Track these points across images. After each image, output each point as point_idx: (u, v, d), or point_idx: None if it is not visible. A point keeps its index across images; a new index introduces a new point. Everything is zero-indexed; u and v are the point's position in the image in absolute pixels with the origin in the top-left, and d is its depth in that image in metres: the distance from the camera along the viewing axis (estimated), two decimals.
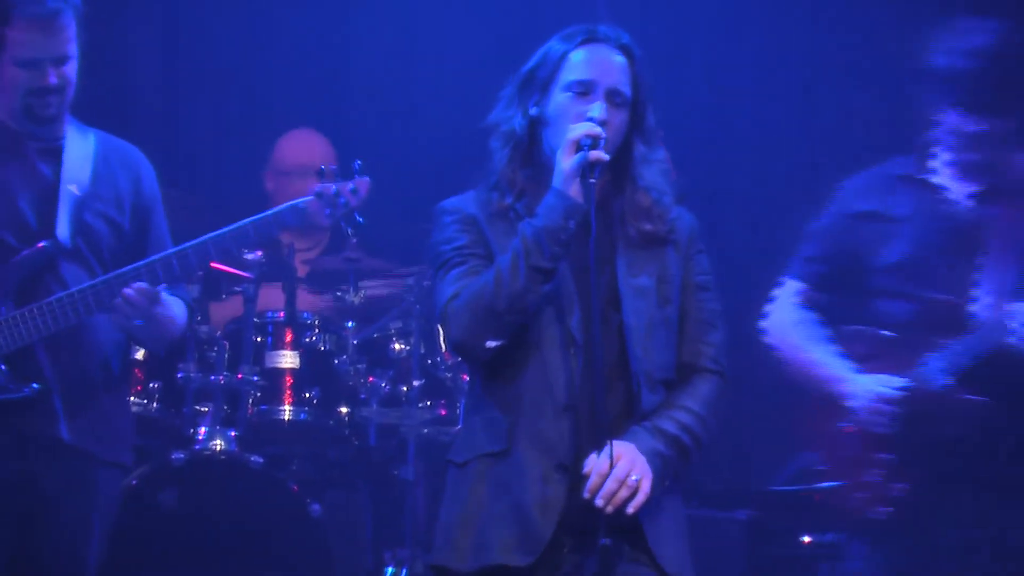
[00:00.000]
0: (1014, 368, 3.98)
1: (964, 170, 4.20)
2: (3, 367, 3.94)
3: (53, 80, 3.95)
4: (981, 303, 4.08)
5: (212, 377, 5.45)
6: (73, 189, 4.02)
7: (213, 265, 5.54)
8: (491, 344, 3.35)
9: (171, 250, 4.02)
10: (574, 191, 3.33)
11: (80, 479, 4.01)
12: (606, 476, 3.23)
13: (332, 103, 7.20)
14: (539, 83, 3.50)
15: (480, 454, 3.39)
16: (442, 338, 5.72)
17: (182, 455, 5.19)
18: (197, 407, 5.48)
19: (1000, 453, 4.04)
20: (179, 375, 5.43)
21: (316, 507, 5.22)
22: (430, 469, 5.69)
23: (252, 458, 5.24)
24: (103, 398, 4.05)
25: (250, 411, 5.53)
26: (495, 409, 3.40)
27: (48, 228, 4.00)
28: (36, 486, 3.96)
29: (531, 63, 3.54)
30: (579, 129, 3.34)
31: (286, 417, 5.60)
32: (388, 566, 5.64)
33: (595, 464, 3.25)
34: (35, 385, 3.94)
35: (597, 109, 3.39)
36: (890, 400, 4.06)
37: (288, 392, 5.61)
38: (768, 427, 6.34)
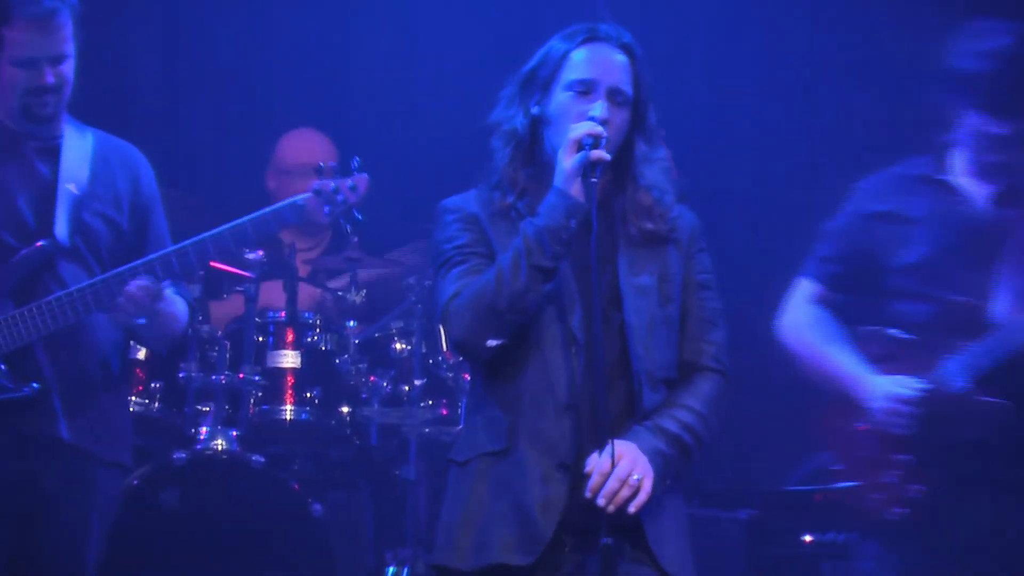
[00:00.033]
0: None
1: (983, 171, 4.18)
2: (2, 367, 3.94)
3: (50, 79, 3.95)
4: (1000, 305, 4.07)
5: (213, 377, 5.45)
6: (71, 188, 4.02)
7: (214, 265, 5.56)
8: (492, 343, 3.35)
9: (170, 248, 4.02)
10: (575, 190, 3.33)
11: (79, 479, 4.01)
12: (608, 475, 3.23)
13: (332, 103, 7.21)
14: (540, 82, 3.50)
15: (481, 453, 3.39)
16: (443, 337, 5.73)
17: (184, 455, 5.20)
18: (198, 407, 5.48)
19: (1019, 456, 4.02)
20: (181, 375, 5.44)
21: (318, 507, 5.22)
22: (431, 469, 5.69)
23: (254, 458, 5.24)
24: (102, 397, 4.05)
25: (251, 411, 5.53)
26: (496, 408, 3.40)
27: (46, 227, 4.00)
28: (36, 486, 3.96)
29: (532, 62, 3.54)
30: (580, 128, 3.34)
31: (287, 417, 5.61)
32: (389, 566, 5.64)
33: (597, 463, 3.25)
34: (35, 385, 3.94)
35: (598, 108, 3.39)
36: (909, 401, 4.04)
37: (289, 392, 5.61)
38: (770, 426, 6.36)
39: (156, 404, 5.47)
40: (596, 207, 3.30)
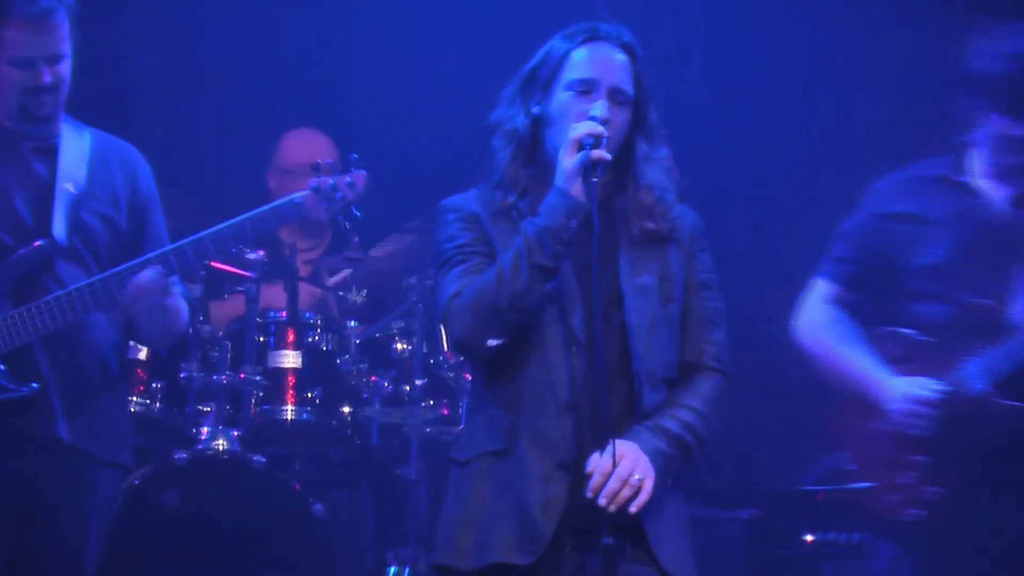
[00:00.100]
0: None
1: (1002, 173, 4.15)
2: (2, 367, 3.94)
3: (47, 79, 3.95)
4: (1019, 308, 4.05)
5: (215, 377, 5.44)
6: (69, 188, 4.02)
7: (215, 265, 5.56)
8: (493, 343, 3.35)
9: (168, 247, 4.02)
10: (576, 190, 3.33)
11: (79, 479, 4.00)
12: (609, 475, 3.23)
13: (332, 102, 7.21)
14: (541, 82, 3.50)
15: (482, 453, 3.39)
16: (444, 337, 5.73)
17: (185, 455, 5.19)
18: (200, 407, 5.47)
19: None
20: (182, 375, 5.43)
21: (319, 507, 5.21)
22: (433, 468, 5.70)
23: (255, 458, 5.23)
24: (101, 397, 4.05)
25: (253, 411, 5.52)
26: (497, 408, 3.40)
27: (44, 227, 4.00)
28: (35, 486, 3.95)
29: (533, 62, 3.54)
30: (581, 128, 3.34)
31: (288, 417, 5.60)
32: (391, 566, 5.64)
33: (598, 463, 3.25)
34: (34, 385, 3.94)
35: (599, 108, 3.39)
36: (928, 403, 4.03)
37: (291, 392, 5.61)
38: (771, 426, 6.36)
39: (157, 404, 5.46)
40: (597, 207, 3.31)
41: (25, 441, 3.96)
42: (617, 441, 3.26)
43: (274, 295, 5.82)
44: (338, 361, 5.70)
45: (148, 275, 3.91)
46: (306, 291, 6.06)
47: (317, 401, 5.65)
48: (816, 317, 4.30)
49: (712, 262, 3.57)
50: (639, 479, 3.26)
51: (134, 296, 3.91)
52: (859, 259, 4.27)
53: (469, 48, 6.82)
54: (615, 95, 3.44)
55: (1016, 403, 3.99)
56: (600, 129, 3.34)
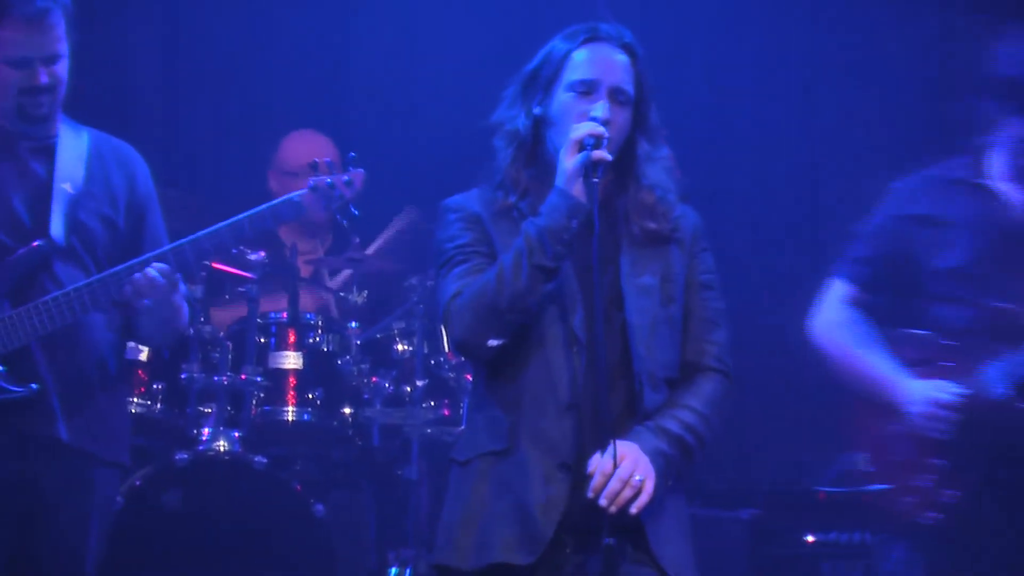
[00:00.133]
0: None
1: (1022, 176, 4.12)
2: (1, 368, 3.94)
3: (44, 79, 3.94)
4: None
5: (216, 378, 5.45)
6: (67, 188, 4.02)
7: (216, 266, 5.56)
8: (493, 343, 3.35)
9: (167, 247, 4.01)
10: (577, 190, 3.32)
11: (78, 479, 4.00)
12: (610, 476, 3.23)
13: (332, 102, 7.22)
14: (542, 82, 3.50)
15: (482, 453, 3.39)
16: (445, 338, 5.73)
17: (186, 456, 5.20)
18: (201, 408, 5.48)
19: None
20: (183, 376, 5.43)
21: (320, 507, 5.22)
22: (434, 469, 5.70)
23: (256, 459, 5.24)
24: (100, 397, 4.04)
25: (254, 412, 5.53)
26: (497, 408, 3.40)
27: (42, 227, 3.99)
28: (35, 486, 3.95)
29: (534, 62, 3.54)
30: (582, 128, 3.34)
31: (289, 418, 5.62)
32: (392, 566, 5.64)
33: (599, 464, 3.24)
34: (33, 385, 3.94)
35: (600, 108, 3.39)
36: (949, 406, 4.00)
37: (291, 393, 5.62)
38: (771, 426, 6.36)
39: (158, 405, 5.47)
40: (598, 207, 3.30)
41: (24, 441, 3.95)
42: (618, 442, 3.25)
43: (277, 305, 5.82)
44: (339, 362, 5.70)
45: (156, 271, 3.90)
46: (307, 292, 6.07)
47: (318, 402, 5.65)
48: (833, 318, 4.26)
49: (714, 263, 3.57)
50: (640, 480, 3.25)
51: (140, 291, 3.90)
52: (877, 260, 4.23)
53: (469, 48, 6.83)
54: (616, 95, 3.43)
55: None
56: (601, 130, 3.34)
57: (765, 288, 6.56)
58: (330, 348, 5.73)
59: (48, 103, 3.99)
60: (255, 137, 6.88)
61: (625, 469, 3.24)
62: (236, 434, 5.36)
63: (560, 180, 3.35)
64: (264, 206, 4.06)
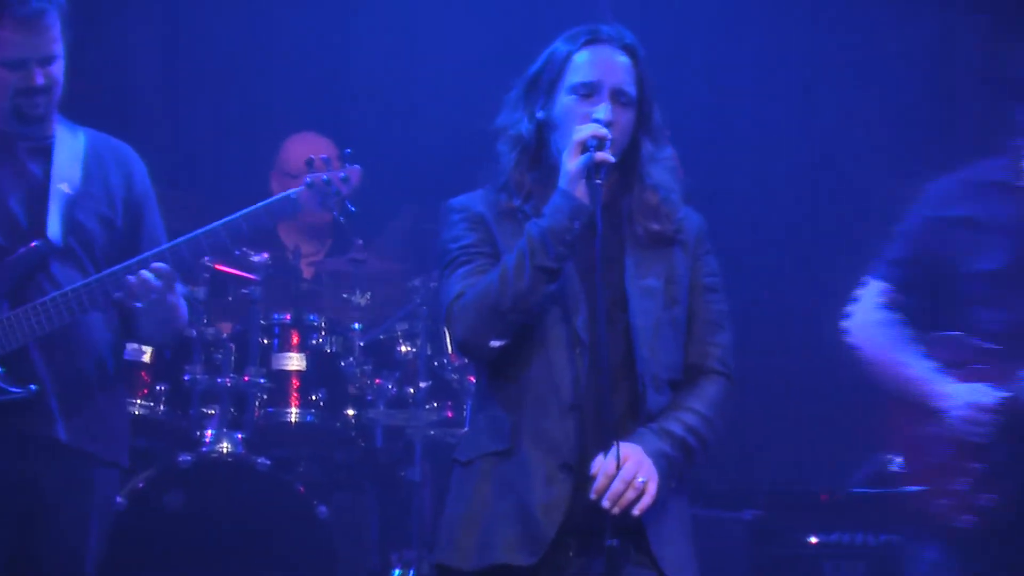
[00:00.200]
0: None
1: None
2: (0, 369, 3.95)
3: (40, 80, 3.94)
4: None
5: (219, 379, 5.46)
6: (64, 188, 4.01)
7: (219, 268, 5.56)
8: (495, 343, 3.34)
9: (164, 246, 4.00)
10: (580, 192, 3.32)
11: (78, 479, 3.99)
12: (613, 477, 3.23)
13: (332, 102, 7.21)
14: (544, 86, 3.49)
15: (484, 453, 3.39)
16: (448, 339, 5.73)
17: (189, 457, 5.20)
18: (204, 409, 5.48)
19: None
20: (186, 377, 5.44)
21: (323, 509, 5.22)
22: (437, 470, 5.70)
23: (259, 460, 5.25)
24: (98, 397, 4.04)
25: (257, 413, 5.53)
26: (499, 408, 3.39)
27: (39, 227, 3.99)
28: (34, 486, 3.94)
29: (536, 66, 3.53)
30: (585, 130, 3.34)
31: (293, 419, 5.62)
32: (395, 567, 5.65)
33: (602, 465, 3.24)
34: (32, 387, 3.94)
35: (602, 110, 3.39)
36: (990, 409, 3.98)
37: (295, 394, 5.62)
38: (773, 427, 6.37)
39: (161, 407, 5.47)
40: (601, 208, 3.31)
41: (23, 442, 3.95)
42: (621, 443, 3.25)
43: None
44: (342, 363, 5.71)
45: (151, 272, 3.90)
46: (310, 294, 6.08)
47: (321, 403, 5.66)
48: (868, 318, 4.23)
49: (717, 265, 3.56)
50: (642, 482, 3.25)
51: (133, 294, 3.90)
52: (913, 262, 4.20)
53: (469, 48, 6.83)
54: (618, 96, 3.43)
55: None
56: (604, 131, 3.34)
57: (765, 288, 6.57)
58: (333, 350, 5.74)
59: (44, 104, 3.98)
60: (255, 137, 6.88)
61: (628, 471, 3.24)
62: (239, 436, 5.37)
63: (563, 181, 3.35)
64: (260, 204, 4.05)
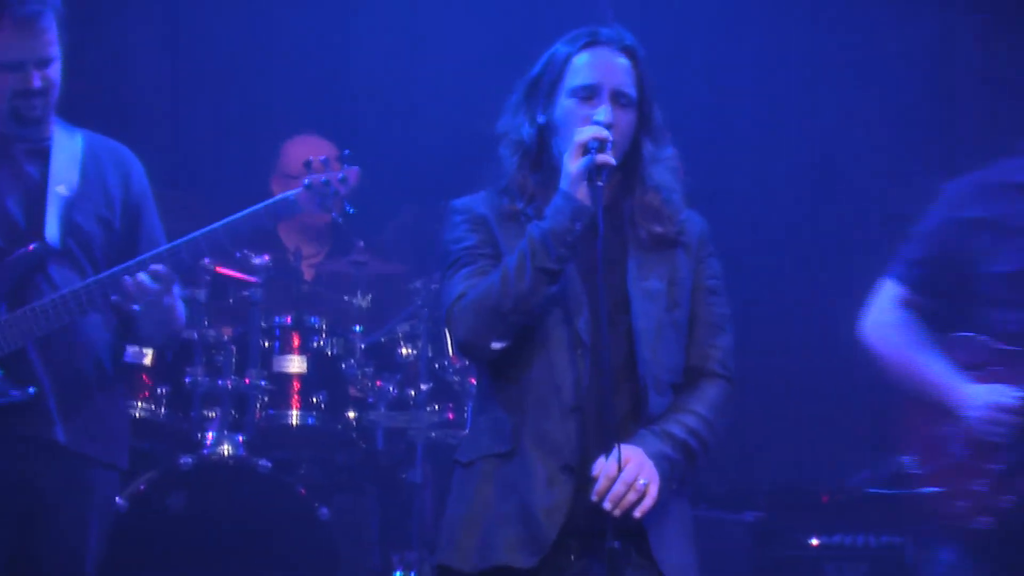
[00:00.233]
0: None
1: None
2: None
3: (37, 83, 3.94)
4: None
5: (220, 381, 5.45)
6: (61, 190, 4.02)
7: (220, 270, 5.56)
8: (496, 345, 3.35)
9: (163, 247, 4.01)
10: (581, 193, 3.32)
11: (77, 480, 4.00)
12: (614, 479, 3.23)
13: (332, 102, 7.21)
14: (544, 89, 3.50)
15: (486, 454, 3.39)
16: (449, 340, 5.73)
17: (190, 459, 5.20)
18: (205, 412, 5.48)
19: None
20: (187, 379, 5.44)
21: (324, 511, 5.22)
22: (438, 472, 5.71)
23: (260, 462, 5.25)
24: (97, 398, 4.04)
25: (258, 415, 5.53)
26: (501, 409, 3.40)
27: (36, 228, 3.99)
28: (33, 488, 3.95)
29: (536, 69, 3.54)
30: (586, 132, 3.34)
31: (294, 422, 5.62)
32: (396, 569, 5.65)
33: (603, 467, 3.24)
34: (31, 389, 3.95)
35: (602, 113, 3.39)
36: (1010, 410, 3.95)
37: (296, 396, 5.62)
38: (774, 428, 6.37)
39: (162, 409, 5.48)
40: (602, 210, 3.31)
41: (22, 443, 3.95)
42: (622, 445, 3.25)
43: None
44: (343, 365, 5.71)
45: (148, 275, 3.90)
46: (311, 295, 6.08)
47: (322, 405, 5.66)
48: (885, 319, 4.20)
49: (720, 268, 3.57)
50: (644, 484, 3.25)
51: (129, 296, 3.90)
52: (932, 263, 4.17)
53: (469, 48, 6.83)
54: (618, 98, 3.43)
55: None
56: (605, 133, 3.34)
57: (765, 288, 6.57)
58: (334, 352, 5.74)
59: (41, 106, 3.99)
60: (255, 137, 6.88)
61: (629, 473, 3.24)
62: (240, 438, 5.37)
63: (564, 183, 3.35)
64: (259, 205, 4.06)
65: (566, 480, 3.31)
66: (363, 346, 5.75)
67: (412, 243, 6.36)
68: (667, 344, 3.44)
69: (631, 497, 3.24)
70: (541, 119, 3.48)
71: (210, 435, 5.37)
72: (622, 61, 3.47)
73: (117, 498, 4.71)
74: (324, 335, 5.74)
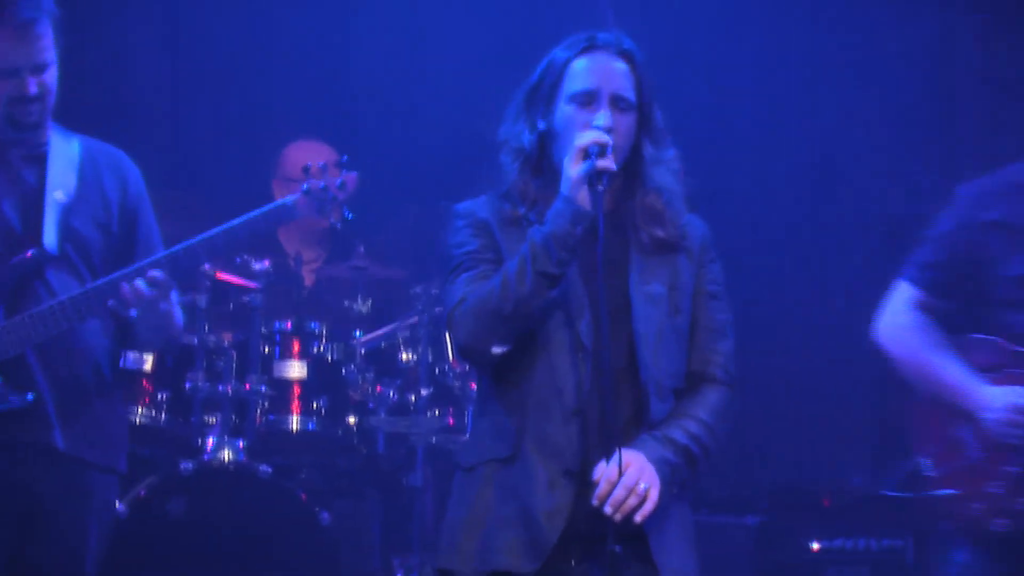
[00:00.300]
0: None
1: None
2: None
3: (33, 89, 3.94)
4: None
5: (220, 387, 5.45)
6: (59, 196, 4.02)
7: (220, 276, 5.56)
8: (496, 349, 3.35)
9: (161, 253, 4.01)
10: (582, 197, 3.32)
11: (76, 485, 3.99)
12: (615, 484, 3.23)
13: (332, 103, 7.21)
14: (544, 95, 3.50)
15: (487, 459, 3.40)
16: (449, 345, 5.73)
17: (190, 465, 5.20)
18: (205, 417, 5.47)
19: None
20: (187, 385, 5.43)
21: (325, 516, 5.23)
22: (439, 477, 5.71)
23: (260, 468, 5.25)
24: (96, 403, 4.04)
25: (258, 421, 5.53)
26: (502, 413, 3.40)
27: (33, 233, 3.99)
28: (32, 492, 3.95)
29: (535, 75, 3.54)
30: (587, 137, 3.34)
31: (294, 427, 5.62)
32: (397, 573, 5.65)
33: (604, 471, 3.25)
34: (29, 396, 3.95)
35: (602, 117, 3.39)
36: None
37: (296, 402, 5.63)
38: (775, 431, 6.37)
39: (163, 415, 5.47)
40: (603, 215, 3.31)
41: (21, 448, 3.95)
42: (623, 450, 3.25)
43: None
44: (344, 371, 5.71)
45: (145, 280, 3.90)
46: (311, 300, 6.09)
47: (323, 411, 5.66)
48: (900, 321, 4.17)
49: (721, 273, 3.57)
50: (645, 488, 3.26)
51: (126, 302, 3.90)
52: (947, 265, 4.14)
53: (469, 49, 6.83)
54: (617, 102, 3.44)
55: None
56: (605, 138, 3.35)
57: (765, 289, 6.57)
58: (335, 357, 5.74)
59: (38, 111, 3.98)
60: (256, 138, 6.88)
61: (630, 477, 3.24)
62: (241, 443, 5.36)
63: (565, 187, 3.35)
64: (257, 211, 4.06)
65: (567, 484, 3.31)
66: (363, 351, 5.74)
67: (412, 244, 6.35)
68: (668, 349, 3.44)
69: (632, 501, 3.24)
70: (541, 125, 3.48)
71: (211, 440, 5.36)
72: (620, 65, 3.47)
73: (118, 504, 4.72)
74: (324, 340, 5.74)
